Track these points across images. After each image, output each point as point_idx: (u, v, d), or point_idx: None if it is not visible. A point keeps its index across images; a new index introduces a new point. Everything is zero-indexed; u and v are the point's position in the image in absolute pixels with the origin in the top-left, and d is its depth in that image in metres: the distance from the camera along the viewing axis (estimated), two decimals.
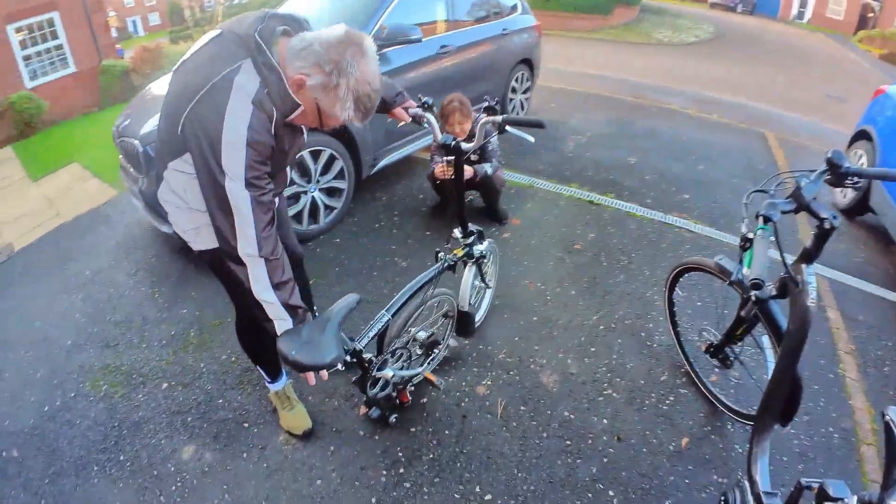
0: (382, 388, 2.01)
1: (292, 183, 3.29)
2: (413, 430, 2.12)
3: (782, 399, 1.55)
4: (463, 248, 2.22)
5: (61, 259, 3.96)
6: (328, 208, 3.63)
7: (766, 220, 1.38)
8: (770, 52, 15.47)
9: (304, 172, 3.37)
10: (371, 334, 1.84)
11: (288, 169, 1.74)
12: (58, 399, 2.53)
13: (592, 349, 2.47)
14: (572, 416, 2.12)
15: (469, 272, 2.31)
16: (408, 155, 4.16)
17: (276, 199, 1.83)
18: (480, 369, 2.40)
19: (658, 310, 2.68)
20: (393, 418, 2.08)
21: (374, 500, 1.87)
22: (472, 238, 2.24)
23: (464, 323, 2.36)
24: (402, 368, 2.04)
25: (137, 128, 3.15)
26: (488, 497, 1.86)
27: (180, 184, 1.55)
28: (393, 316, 1.90)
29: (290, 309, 1.50)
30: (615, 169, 4.52)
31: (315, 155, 3.38)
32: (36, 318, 3.25)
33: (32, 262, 4.09)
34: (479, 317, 2.62)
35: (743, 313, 1.83)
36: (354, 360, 1.76)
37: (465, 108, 3.28)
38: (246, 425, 2.23)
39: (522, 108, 5.78)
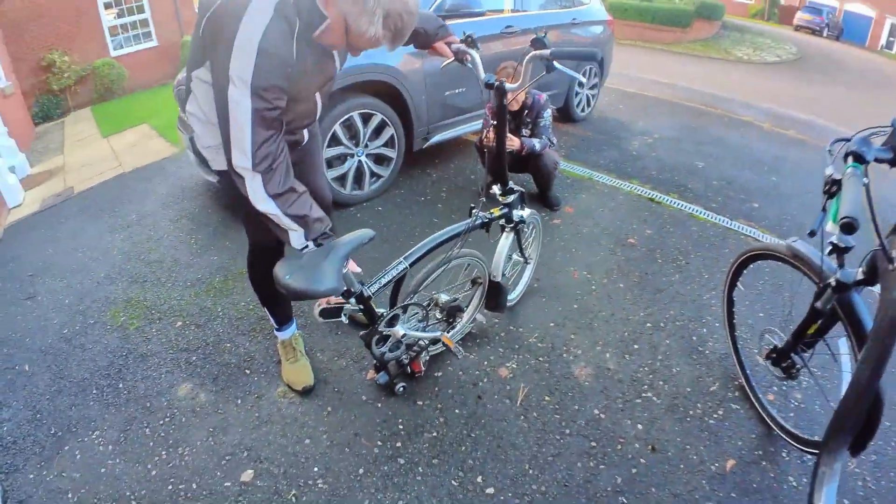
0: (392, 350, 1.84)
1: (339, 143, 3.21)
2: (420, 403, 1.96)
3: (859, 418, 1.28)
4: (501, 208, 2.03)
5: (114, 203, 4.10)
6: (374, 176, 3.52)
7: (859, 158, 1.14)
8: (856, 77, 14.30)
9: (353, 135, 3.28)
10: (383, 281, 1.70)
11: (318, 102, 1.60)
12: (78, 324, 2.56)
13: (635, 346, 2.23)
14: (602, 416, 1.89)
15: (506, 239, 2.11)
16: (462, 134, 4.00)
17: (305, 134, 1.72)
18: (506, 350, 2.20)
19: (714, 315, 2.41)
20: (400, 387, 1.91)
21: (361, 470, 1.71)
22: (513, 198, 2.03)
23: (494, 295, 2.15)
24: (416, 330, 1.87)
25: None
26: (490, 490, 1.66)
27: (202, 94, 1.47)
28: (410, 265, 1.74)
29: (296, 219, 1.39)
30: (680, 170, 4.21)
31: (366, 118, 3.29)
32: (79, 251, 3.34)
33: (88, 203, 4.24)
34: (514, 295, 2.43)
35: (818, 304, 1.49)
36: (361, 306, 1.62)
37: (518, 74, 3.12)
38: (247, 372, 2.15)
39: (589, 104, 5.53)
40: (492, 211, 2.01)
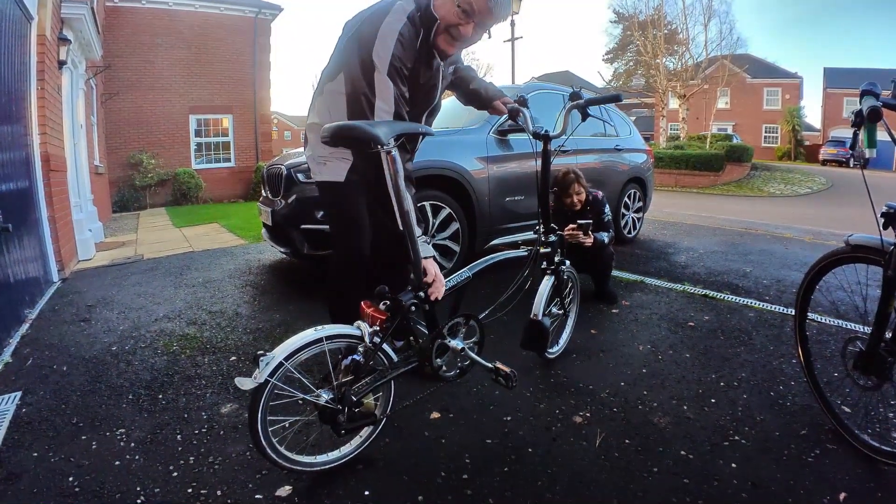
0: (447, 370, 1.81)
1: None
2: (489, 441, 1.82)
3: None
4: (545, 248, 2.16)
5: (181, 269, 4.32)
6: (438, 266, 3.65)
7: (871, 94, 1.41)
8: (889, 196, 14.36)
9: (420, 221, 3.48)
10: (449, 285, 1.76)
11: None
12: (128, 345, 2.58)
13: (713, 401, 2.08)
14: (691, 457, 1.71)
15: (547, 280, 2.19)
16: (518, 240, 4.15)
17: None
18: (578, 402, 2.08)
19: (789, 375, 2.28)
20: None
21: (421, 497, 1.54)
22: (554, 240, 2.17)
23: (534, 335, 2.16)
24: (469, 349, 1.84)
25: (285, 161, 3.62)
26: None
27: (329, 102, 1.80)
28: (473, 276, 1.85)
29: None
30: (729, 274, 4.22)
31: (435, 210, 3.50)
32: (141, 296, 3.45)
33: (156, 266, 4.50)
34: (556, 349, 2.42)
35: (889, 271, 1.51)
36: (426, 304, 1.67)
37: (581, 178, 3.37)
38: (300, 402, 2.05)
39: (635, 226, 5.76)
40: (538, 247, 2.13)
